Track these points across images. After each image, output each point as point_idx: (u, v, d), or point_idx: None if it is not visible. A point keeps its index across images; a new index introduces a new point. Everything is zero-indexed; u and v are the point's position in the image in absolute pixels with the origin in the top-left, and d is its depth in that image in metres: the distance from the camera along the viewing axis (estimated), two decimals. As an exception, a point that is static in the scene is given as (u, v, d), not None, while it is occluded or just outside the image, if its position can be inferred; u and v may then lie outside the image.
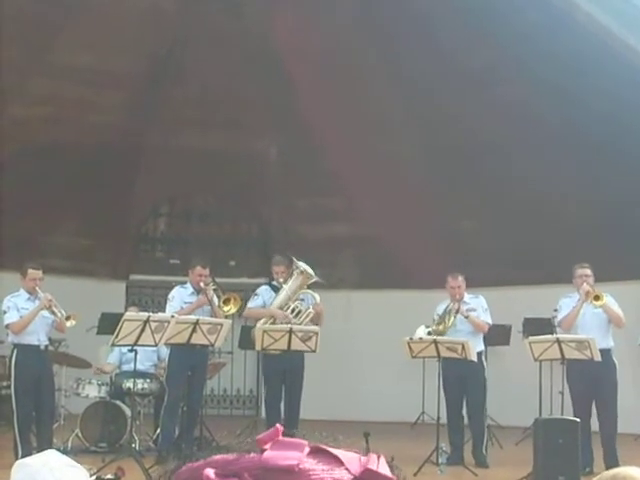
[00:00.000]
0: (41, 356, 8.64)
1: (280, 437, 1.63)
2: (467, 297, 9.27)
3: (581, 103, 12.30)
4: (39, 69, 13.27)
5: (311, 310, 9.33)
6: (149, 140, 14.75)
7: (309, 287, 9.49)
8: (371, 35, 13.46)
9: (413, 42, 13.23)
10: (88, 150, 13.97)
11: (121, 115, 14.16)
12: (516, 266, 13.53)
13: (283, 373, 9.22)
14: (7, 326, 8.58)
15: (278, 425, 1.56)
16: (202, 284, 9.28)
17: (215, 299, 9.32)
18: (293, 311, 9.31)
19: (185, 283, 9.55)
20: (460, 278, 9.20)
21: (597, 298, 8.42)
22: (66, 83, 13.47)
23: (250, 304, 9.58)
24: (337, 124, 14.28)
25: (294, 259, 9.49)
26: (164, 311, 9.42)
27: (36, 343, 8.57)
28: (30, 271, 8.63)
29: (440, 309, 9.24)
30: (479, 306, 9.24)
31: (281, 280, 9.42)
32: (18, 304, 8.54)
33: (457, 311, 9.05)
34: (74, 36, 13.01)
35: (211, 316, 9.25)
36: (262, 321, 9.35)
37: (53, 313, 8.52)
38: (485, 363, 9.24)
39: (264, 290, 9.55)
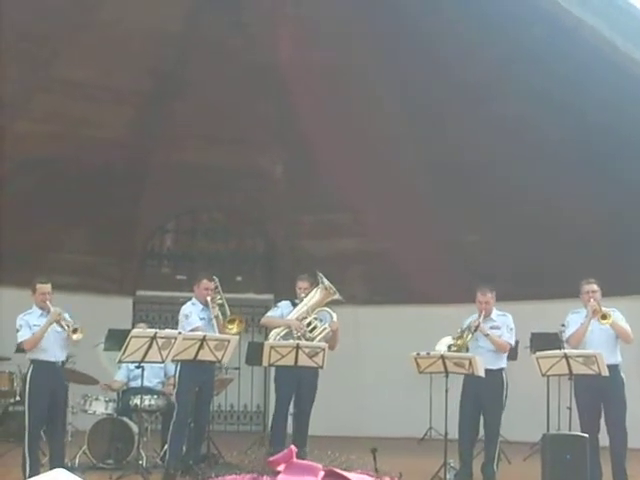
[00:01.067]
0: (57, 372, 8.62)
1: (294, 459, 1.63)
2: (495, 314, 9.10)
3: (584, 118, 12.31)
4: (43, 85, 13.31)
5: (327, 327, 9.34)
6: (154, 156, 14.78)
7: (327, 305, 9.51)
8: (373, 51, 13.49)
9: (416, 58, 13.26)
10: (93, 166, 14.01)
11: (126, 132, 14.20)
12: (523, 281, 13.51)
13: (295, 385, 9.20)
14: (20, 344, 8.57)
15: (292, 447, 1.55)
16: (208, 298, 9.29)
17: (220, 315, 9.32)
18: (309, 325, 9.33)
19: (191, 299, 9.52)
20: (489, 295, 9.01)
21: (604, 317, 8.36)
22: (70, 100, 13.51)
23: (269, 313, 9.77)
24: (342, 140, 14.30)
25: (320, 274, 9.52)
26: (171, 327, 9.40)
27: (52, 359, 8.56)
28: (39, 286, 8.63)
29: (465, 323, 9.12)
30: (504, 325, 9.06)
31: (302, 296, 9.47)
32: (30, 321, 8.53)
33: (476, 328, 8.93)
34: (78, 53, 13.06)
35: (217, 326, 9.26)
36: (276, 331, 9.37)
37: (61, 326, 8.52)
38: (506, 380, 9.10)
39: (285, 304, 9.63)
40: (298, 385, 9.22)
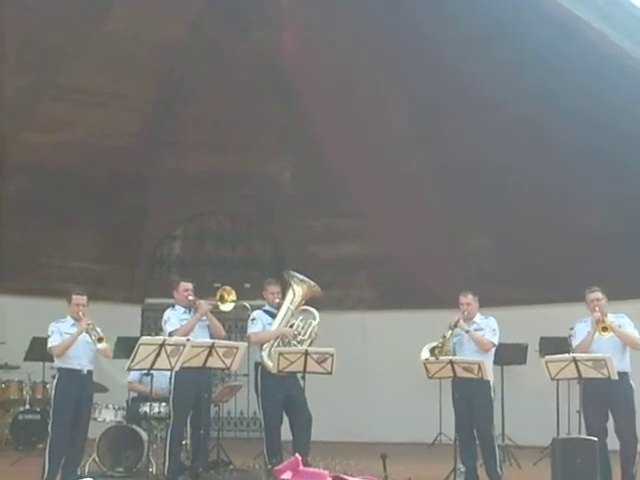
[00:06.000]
0: (82, 380, 8.72)
1: (301, 467, 1.63)
2: (478, 317, 9.11)
3: (595, 122, 12.26)
4: (50, 94, 13.34)
5: (313, 323, 9.19)
6: (162, 163, 14.81)
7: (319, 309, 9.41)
8: (381, 56, 13.49)
9: (424, 63, 13.24)
10: (101, 174, 14.05)
11: (133, 139, 14.22)
12: (532, 285, 13.47)
13: (282, 398, 9.09)
14: (50, 349, 8.74)
15: (297, 455, 1.55)
16: (190, 297, 9.22)
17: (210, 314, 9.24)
18: (295, 329, 9.22)
19: (174, 306, 9.38)
20: (470, 296, 9.06)
21: (605, 329, 8.31)
22: (79, 108, 13.54)
23: (254, 329, 9.29)
24: (349, 145, 14.31)
25: (290, 272, 9.35)
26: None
27: (77, 367, 8.68)
28: (74, 297, 8.81)
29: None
30: (487, 326, 9.04)
31: (277, 301, 9.29)
32: (62, 329, 8.72)
33: (456, 324, 8.91)
34: (85, 62, 13.09)
35: (209, 329, 9.21)
36: (269, 344, 9.17)
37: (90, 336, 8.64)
38: (492, 382, 9.05)
39: (261, 314, 9.36)
40: (286, 399, 9.07)
